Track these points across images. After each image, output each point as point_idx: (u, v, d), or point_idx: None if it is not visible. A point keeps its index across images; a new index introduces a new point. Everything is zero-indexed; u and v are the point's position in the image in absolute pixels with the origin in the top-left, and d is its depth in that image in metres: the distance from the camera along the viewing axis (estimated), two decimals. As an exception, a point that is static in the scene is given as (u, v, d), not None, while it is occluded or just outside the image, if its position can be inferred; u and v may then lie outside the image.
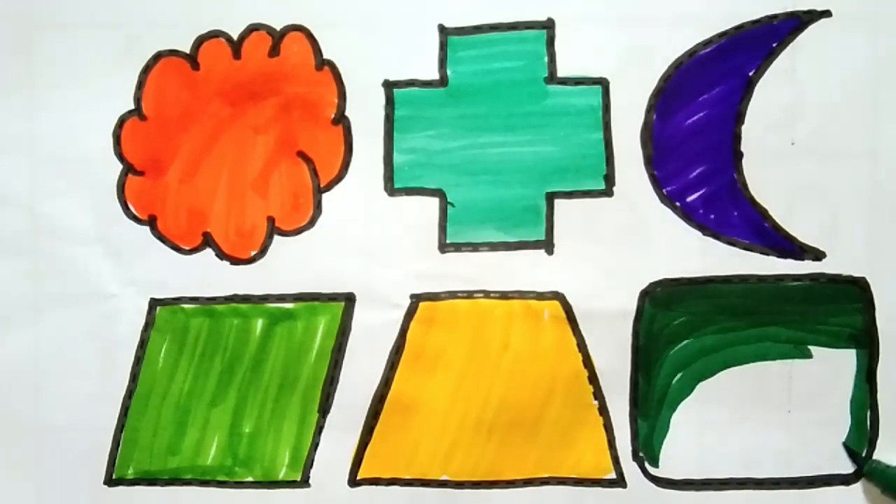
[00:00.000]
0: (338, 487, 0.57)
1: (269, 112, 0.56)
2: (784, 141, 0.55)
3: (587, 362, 0.56)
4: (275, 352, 0.57)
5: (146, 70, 0.56)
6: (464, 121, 0.56)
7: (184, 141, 0.56)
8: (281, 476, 0.57)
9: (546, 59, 0.56)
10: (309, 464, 0.57)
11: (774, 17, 0.55)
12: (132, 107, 0.56)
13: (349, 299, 0.56)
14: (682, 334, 0.56)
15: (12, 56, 0.56)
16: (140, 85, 0.56)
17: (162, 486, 0.57)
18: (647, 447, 0.56)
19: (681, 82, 0.55)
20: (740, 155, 0.55)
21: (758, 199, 0.55)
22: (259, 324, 0.57)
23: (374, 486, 0.57)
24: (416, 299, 0.56)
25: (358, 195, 0.56)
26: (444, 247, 0.56)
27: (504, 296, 0.56)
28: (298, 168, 0.56)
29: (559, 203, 0.56)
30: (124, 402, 0.57)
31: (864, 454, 0.55)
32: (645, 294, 0.55)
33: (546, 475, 0.56)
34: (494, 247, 0.56)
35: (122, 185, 0.56)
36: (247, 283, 0.57)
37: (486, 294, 0.56)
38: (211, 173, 0.56)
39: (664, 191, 0.55)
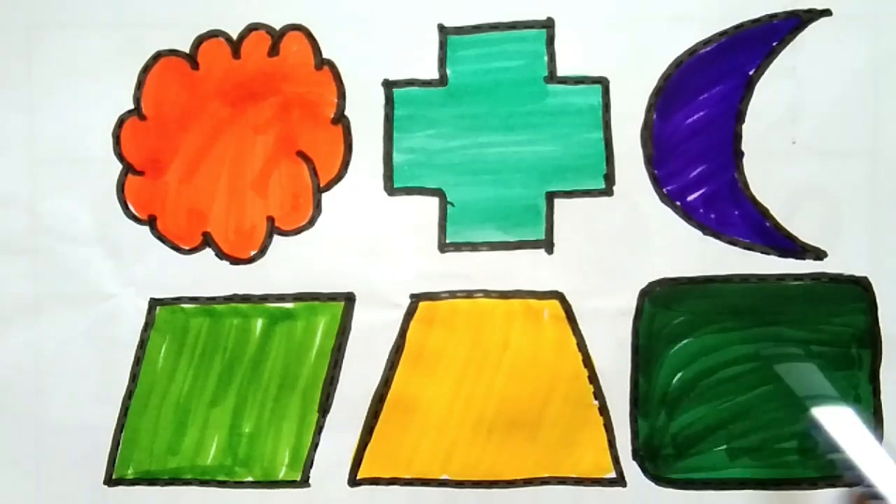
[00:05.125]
0: (338, 487, 0.57)
1: (269, 112, 0.56)
2: (785, 140, 0.55)
3: (587, 362, 0.56)
4: (274, 352, 0.57)
5: (146, 70, 0.56)
6: (463, 120, 0.56)
7: (183, 141, 0.56)
8: (281, 476, 0.57)
9: (546, 58, 0.56)
10: (309, 464, 0.57)
11: (774, 16, 0.55)
12: (132, 107, 0.56)
13: (349, 299, 0.56)
14: (683, 334, 0.56)
15: (12, 56, 0.56)
16: (140, 85, 0.56)
17: (162, 486, 0.57)
18: (648, 446, 0.56)
19: (681, 81, 0.55)
20: (741, 154, 0.55)
21: (758, 198, 0.55)
22: (259, 324, 0.57)
23: (374, 486, 0.57)
24: (416, 299, 0.56)
25: (358, 195, 0.56)
26: (443, 247, 0.56)
27: (504, 295, 0.56)
28: (298, 168, 0.56)
29: (559, 203, 0.56)
30: (124, 402, 0.57)
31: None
32: (645, 293, 0.55)
33: (546, 475, 0.56)
34: (494, 246, 0.56)
35: (121, 185, 0.56)
36: (246, 283, 0.57)
37: (486, 294, 0.56)
38: (211, 173, 0.56)
39: (664, 190, 0.55)
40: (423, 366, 0.56)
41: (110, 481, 0.58)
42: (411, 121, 0.56)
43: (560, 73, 0.56)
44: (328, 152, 0.56)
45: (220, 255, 0.57)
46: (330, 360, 0.57)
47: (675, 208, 0.55)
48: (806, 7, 0.55)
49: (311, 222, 0.56)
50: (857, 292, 0.55)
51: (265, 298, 0.57)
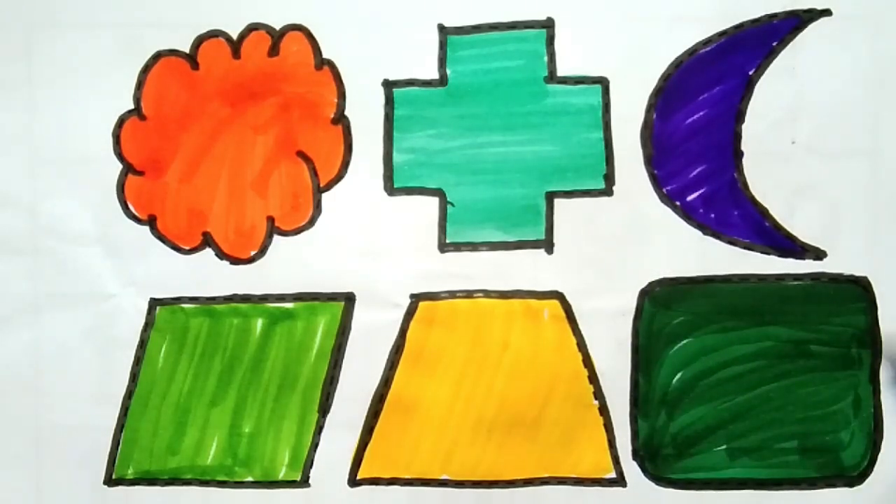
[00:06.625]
0: (338, 487, 0.57)
1: (269, 112, 0.56)
2: (784, 140, 0.55)
3: (587, 362, 0.56)
4: (275, 352, 0.57)
5: (146, 70, 0.56)
6: (463, 120, 0.56)
7: (183, 141, 0.56)
8: (281, 476, 0.57)
9: (546, 58, 0.56)
10: (309, 464, 0.57)
11: (774, 16, 0.55)
12: (132, 107, 0.56)
13: (349, 299, 0.56)
14: (683, 334, 0.56)
15: (12, 56, 0.56)
16: (140, 85, 0.56)
17: (162, 486, 0.58)
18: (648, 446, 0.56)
19: (681, 81, 0.55)
20: (740, 154, 0.55)
21: (758, 198, 0.55)
22: (259, 324, 0.57)
23: (374, 486, 0.57)
24: (416, 299, 0.56)
25: (358, 195, 0.56)
26: (444, 246, 0.56)
27: (504, 295, 0.56)
28: (298, 168, 0.56)
29: (559, 203, 0.56)
30: (124, 402, 0.57)
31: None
32: (645, 293, 0.55)
33: (546, 475, 0.56)
34: (494, 246, 0.56)
35: (121, 185, 0.56)
36: (247, 283, 0.57)
37: (486, 294, 0.56)
38: (211, 173, 0.56)
39: (664, 190, 0.55)
40: (423, 366, 0.56)
41: (110, 481, 0.58)
42: (411, 121, 0.56)
43: (560, 73, 0.56)
44: (328, 152, 0.56)
45: (220, 255, 0.57)
46: (330, 360, 0.57)
47: (675, 208, 0.55)
48: (806, 7, 0.55)
49: (311, 222, 0.56)
50: (857, 292, 0.55)
51: (265, 298, 0.57)
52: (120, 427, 0.57)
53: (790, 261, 0.55)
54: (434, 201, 0.56)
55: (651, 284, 0.55)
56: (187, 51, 0.56)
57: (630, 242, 0.55)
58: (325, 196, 0.56)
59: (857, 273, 0.55)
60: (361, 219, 0.56)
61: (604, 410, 0.56)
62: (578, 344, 0.56)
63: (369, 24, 0.56)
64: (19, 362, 0.57)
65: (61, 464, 0.57)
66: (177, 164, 0.56)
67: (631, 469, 0.56)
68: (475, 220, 0.56)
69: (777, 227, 0.55)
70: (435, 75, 0.56)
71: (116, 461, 0.57)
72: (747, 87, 0.55)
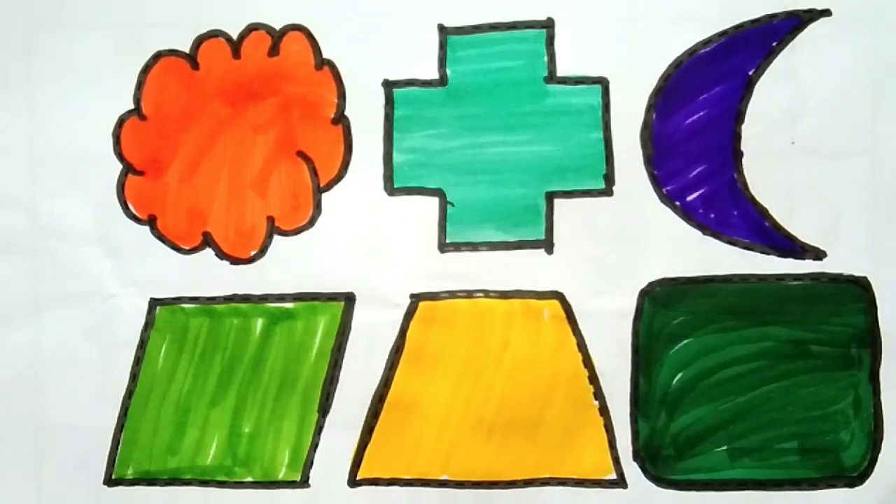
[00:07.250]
0: (338, 487, 0.57)
1: (269, 112, 0.56)
2: (784, 140, 0.55)
3: (587, 362, 0.56)
4: (274, 352, 0.57)
5: (146, 70, 0.56)
6: (463, 120, 0.56)
7: (183, 141, 0.56)
8: (281, 476, 0.57)
9: (546, 58, 0.56)
10: (309, 464, 0.57)
11: (774, 16, 0.55)
12: (132, 107, 0.56)
13: (349, 299, 0.56)
14: (683, 334, 0.56)
15: (12, 56, 0.56)
16: (140, 85, 0.56)
17: (161, 486, 0.58)
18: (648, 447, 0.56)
19: (681, 81, 0.55)
20: (740, 154, 0.55)
21: (758, 198, 0.55)
22: (259, 324, 0.57)
23: (373, 486, 0.57)
24: (416, 299, 0.56)
25: (358, 195, 0.56)
26: (444, 246, 0.56)
27: (504, 295, 0.56)
28: (298, 168, 0.56)
29: (559, 203, 0.56)
30: (124, 402, 0.57)
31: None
32: (645, 293, 0.55)
33: (546, 475, 0.56)
34: (494, 246, 0.56)
35: (121, 185, 0.57)
36: (247, 283, 0.57)
37: (486, 294, 0.56)
38: (211, 173, 0.56)
39: (664, 190, 0.55)
40: (423, 366, 0.56)
41: (110, 481, 0.58)
42: (411, 121, 0.56)
43: (560, 73, 0.56)
44: (328, 152, 0.56)
45: (220, 255, 0.57)
46: (330, 360, 0.57)
47: (674, 208, 0.55)
48: (806, 7, 0.55)
49: (311, 222, 0.56)
50: (857, 292, 0.55)
51: (265, 298, 0.57)
52: (120, 427, 0.57)
53: (790, 261, 0.55)
54: (434, 201, 0.56)
55: (651, 284, 0.55)
56: (187, 51, 0.56)
57: (630, 242, 0.55)
58: (325, 196, 0.56)
59: (857, 273, 0.55)
60: (361, 219, 0.56)
61: (604, 411, 0.56)
62: (578, 344, 0.56)
63: (369, 24, 0.56)
64: (20, 362, 0.57)
65: (61, 464, 0.57)
66: (177, 164, 0.57)
67: (631, 470, 0.56)
68: (475, 220, 0.56)
69: (777, 227, 0.55)
70: (435, 75, 0.56)
71: (116, 461, 0.57)
72: (747, 87, 0.55)
